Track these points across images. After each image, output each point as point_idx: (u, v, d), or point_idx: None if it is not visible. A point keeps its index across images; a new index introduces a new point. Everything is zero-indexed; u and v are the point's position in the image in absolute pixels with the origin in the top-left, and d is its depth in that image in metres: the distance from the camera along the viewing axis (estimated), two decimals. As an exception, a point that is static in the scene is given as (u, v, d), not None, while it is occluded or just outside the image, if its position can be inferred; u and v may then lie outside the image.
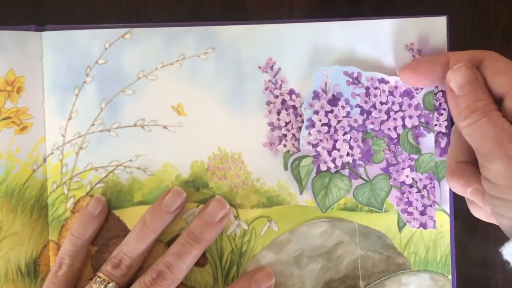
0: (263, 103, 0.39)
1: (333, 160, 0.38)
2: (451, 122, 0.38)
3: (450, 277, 0.39)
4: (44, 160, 0.39)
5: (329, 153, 0.38)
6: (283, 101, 0.39)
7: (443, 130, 0.39)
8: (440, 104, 0.38)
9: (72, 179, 0.39)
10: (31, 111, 0.38)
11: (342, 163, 0.38)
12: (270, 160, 0.39)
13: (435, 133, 0.38)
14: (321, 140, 0.38)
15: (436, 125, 0.38)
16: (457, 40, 0.39)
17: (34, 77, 0.38)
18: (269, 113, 0.39)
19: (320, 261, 0.39)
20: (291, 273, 0.39)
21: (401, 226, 0.39)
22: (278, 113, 0.39)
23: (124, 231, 0.38)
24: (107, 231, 0.38)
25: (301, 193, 0.39)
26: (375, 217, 0.39)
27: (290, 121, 0.39)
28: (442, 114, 0.38)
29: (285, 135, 0.39)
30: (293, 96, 0.39)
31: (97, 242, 0.39)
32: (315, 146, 0.38)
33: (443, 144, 0.39)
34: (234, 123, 0.39)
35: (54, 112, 0.38)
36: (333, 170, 0.38)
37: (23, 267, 0.38)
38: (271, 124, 0.39)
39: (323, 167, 0.38)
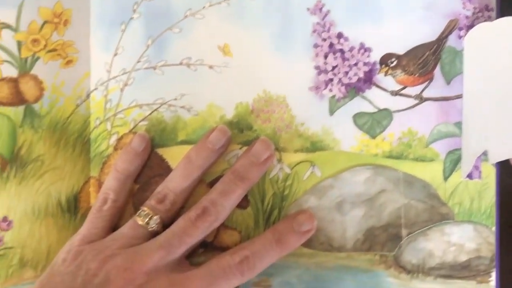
0: (310, 46, 0.38)
1: None
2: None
3: (493, 229, 0.38)
4: (88, 96, 0.38)
5: None
6: (331, 45, 0.38)
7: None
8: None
9: (115, 116, 0.38)
10: (77, 45, 0.38)
11: None
12: (315, 104, 0.38)
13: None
14: None
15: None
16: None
17: (81, 10, 0.38)
18: (316, 56, 0.38)
19: (363, 208, 0.38)
20: (332, 219, 0.38)
21: (446, 176, 0.38)
22: (325, 57, 0.38)
23: (166, 169, 0.38)
24: (150, 169, 0.38)
25: None
26: (420, 166, 0.38)
27: (337, 65, 0.38)
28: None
29: (331, 80, 0.38)
30: (341, 40, 0.38)
31: (139, 180, 0.38)
32: None
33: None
34: (280, 66, 0.38)
35: (99, 47, 0.38)
36: None
37: (64, 202, 0.38)
38: (317, 67, 0.38)
39: None
